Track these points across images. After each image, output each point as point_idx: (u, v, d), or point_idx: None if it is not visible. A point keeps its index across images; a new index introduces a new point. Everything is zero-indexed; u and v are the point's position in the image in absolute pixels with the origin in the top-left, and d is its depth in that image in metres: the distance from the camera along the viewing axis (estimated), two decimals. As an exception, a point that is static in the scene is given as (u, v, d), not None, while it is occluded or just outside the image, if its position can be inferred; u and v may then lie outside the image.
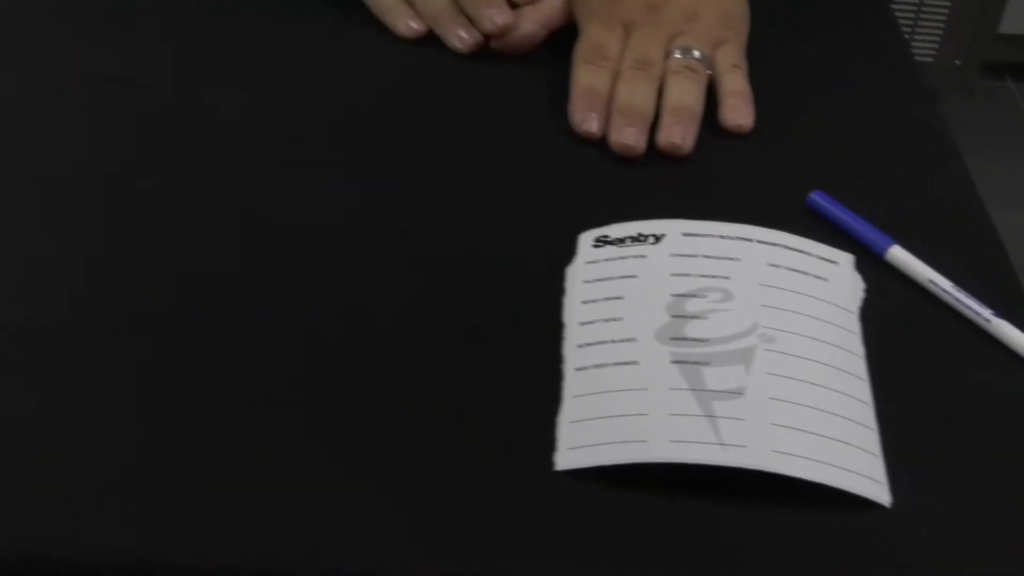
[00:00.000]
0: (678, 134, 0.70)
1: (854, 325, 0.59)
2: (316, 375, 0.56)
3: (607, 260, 0.62)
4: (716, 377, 0.55)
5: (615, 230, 0.64)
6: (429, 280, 0.61)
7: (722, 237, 0.63)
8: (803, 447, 0.52)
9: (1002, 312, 0.59)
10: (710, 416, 0.53)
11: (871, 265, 0.63)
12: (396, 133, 0.71)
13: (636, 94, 0.72)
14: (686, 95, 0.72)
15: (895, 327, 0.60)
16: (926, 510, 0.51)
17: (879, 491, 0.52)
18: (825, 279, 0.61)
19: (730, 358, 0.56)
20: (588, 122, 0.71)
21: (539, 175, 0.69)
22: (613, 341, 0.57)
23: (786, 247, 0.63)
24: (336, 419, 0.54)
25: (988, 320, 0.59)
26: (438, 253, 0.63)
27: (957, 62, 2.18)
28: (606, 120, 0.71)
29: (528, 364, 0.57)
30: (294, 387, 0.55)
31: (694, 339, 0.57)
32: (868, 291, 0.62)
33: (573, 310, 0.59)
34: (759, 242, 0.62)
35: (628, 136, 0.70)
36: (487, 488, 0.51)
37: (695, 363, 0.55)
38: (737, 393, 0.54)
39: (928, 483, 0.53)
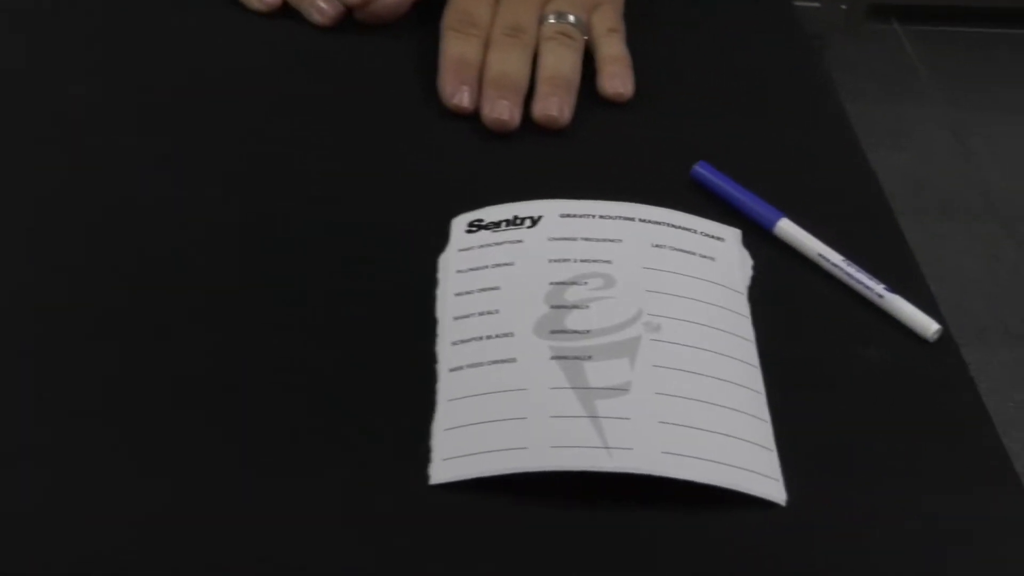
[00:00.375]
0: (555, 105, 0.66)
1: (743, 307, 0.56)
2: (152, 377, 0.51)
3: (481, 247, 0.58)
4: (599, 373, 0.51)
5: (489, 213, 0.60)
6: (287, 272, 0.57)
7: (602, 217, 0.59)
8: (693, 446, 0.49)
9: (895, 286, 0.57)
10: (594, 417, 0.49)
11: (760, 240, 0.60)
12: (253, 114, 0.67)
13: (508, 63, 0.68)
14: (562, 63, 0.68)
15: (785, 306, 0.57)
16: (821, 504, 0.49)
17: (774, 489, 0.49)
18: (712, 258, 0.58)
19: (613, 351, 0.52)
20: (459, 95, 0.67)
21: (407, 154, 0.65)
22: (489, 337, 0.53)
23: (670, 225, 0.59)
24: (171, 429, 0.49)
25: (881, 296, 0.57)
26: (298, 242, 0.58)
27: (843, 6, 2.17)
28: (478, 92, 0.67)
29: (398, 365, 0.53)
30: (106, 391, 0.50)
31: (575, 331, 0.53)
32: (756, 268, 0.58)
33: (446, 303, 0.55)
34: (641, 221, 0.59)
35: (501, 110, 0.66)
36: (357, 505, 0.47)
37: (576, 358, 0.52)
38: (622, 390, 0.51)
39: (823, 474, 0.50)
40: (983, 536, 0.48)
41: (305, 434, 0.50)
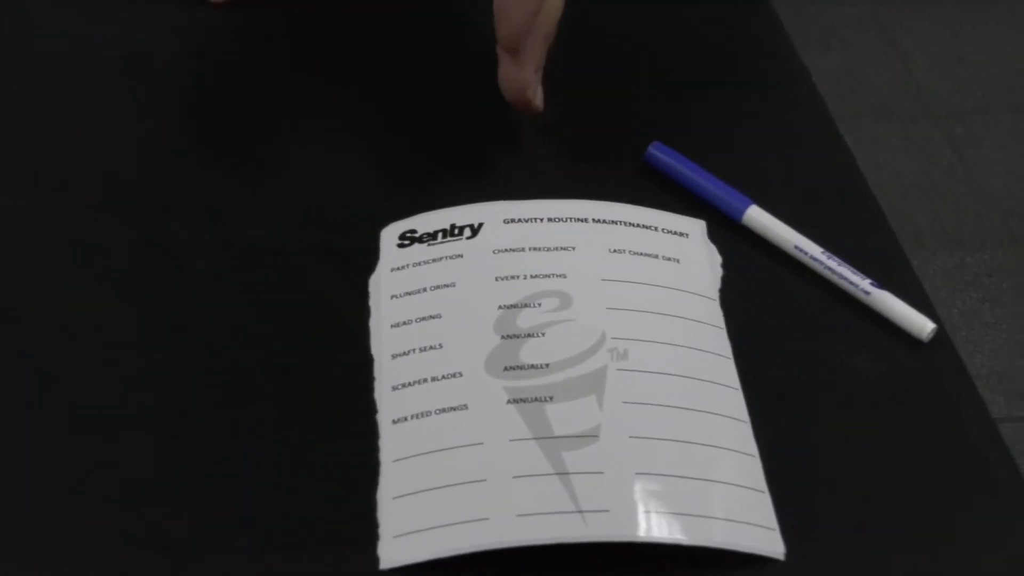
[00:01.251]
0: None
1: (717, 317, 0.50)
2: (29, 441, 0.44)
3: (416, 265, 0.51)
4: (563, 417, 0.45)
5: (422, 222, 0.52)
6: (186, 305, 0.49)
7: (551, 220, 0.52)
8: (677, 500, 0.43)
9: (882, 281, 0.51)
10: (562, 474, 0.43)
11: (727, 231, 0.54)
12: (132, 107, 0.58)
13: None
14: None
15: (760, 311, 0.51)
16: (822, 554, 0.43)
17: (771, 541, 0.43)
18: (677, 260, 0.52)
19: (578, 388, 0.46)
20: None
21: (319, 156, 0.57)
22: (435, 379, 0.46)
23: (627, 223, 0.52)
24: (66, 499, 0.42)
25: (867, 292, 0.51)
26: (193, 267, 0.51)
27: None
28: None
29: (330, 418, 0.46)
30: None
31: (532, 366, 0.46)
32: (725, 266, 0.52)
33: (381, 338, 0.48)
34: (595, 221, 0.52)
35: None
36: (296, 603, 0.41)
37: (536, 400, 0.45)
38: (591, 436, 0.44)
39: (820, 514, 0.44)
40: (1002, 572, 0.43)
41: (219, 513, 0.43)
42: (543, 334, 0.47)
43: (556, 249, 0.51)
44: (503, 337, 0.47)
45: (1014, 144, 1.77)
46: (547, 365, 0.46)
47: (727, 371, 0.48)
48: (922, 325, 0.50)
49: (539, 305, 0.48)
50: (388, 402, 0.46)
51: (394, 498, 0.43)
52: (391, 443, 0.45)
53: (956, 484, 0.45)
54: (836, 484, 0.45)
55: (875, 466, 0.46)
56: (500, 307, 0.48)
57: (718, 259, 0.52)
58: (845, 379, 0.48)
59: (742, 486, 0.44)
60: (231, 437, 0.45)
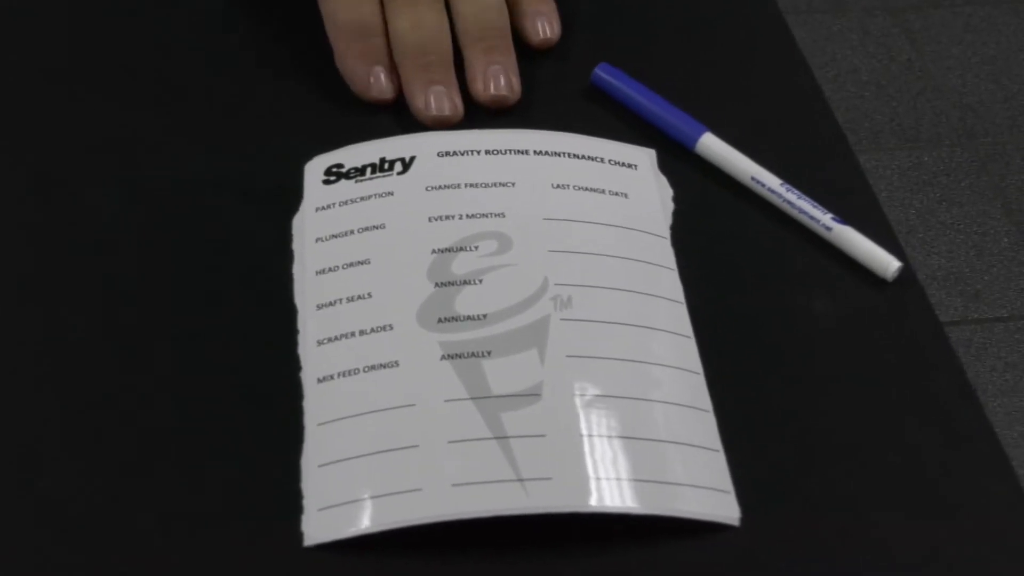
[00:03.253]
0: (501, 78, 0.51)
1: (668, 257, 0.46)
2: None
3: (343, 204, 0.47)
4: (502, 374, 0.41)
5: (350, 155, 0.48)
6: (78, 248, 0.45)
7: (488, 153, 0.48)
8: (625, 464, 0.40)
9: (845, 215, 0.47)
10: (501, 437, 0.40)
11: (678, 160, 0.50)
12: (20, 30, 0.53)
13: (423, 27, 0.51)
14: (486, 10, 0.52)
15: (712, 247, 0.47)
16: (779, 515, 0.40)
17: (725, 505, 0.40)
18: (624, 194, 0.48)
19: (517, 341, 0.42)
20: (377, 83, 0.51)
21: (233, 78, 0.52)
22: (363, 332, 0.43)
23: (571, 155, 0.49)
24: None
25: (829, 228, 0.47)
26: (86, 204, 0.47)
27: None
28: (393, 71, 0.51)
29: (250, 376, 0.42)
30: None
31: (468, 317, 0.43)
32: (677, 199, 0.48)
33: (305, 286, 0.45)
34: (537, 153, 0.48)
35: (441, 102, 0.50)
36: (214, 584, 0.38)
37: (473, 355, 0.42)
38: (532, 395, 0.41)
39: (776, 471, 0.41)
40: (982, 538, 0.40)
41: (120, 481, 0.39)
42: (480, 281, 0.44)
43: (494, 185, 0.47)
44: (437, 285, 0.44)
45: (972, 37, 1.73)
46: (484, 316, 0.43)
47: (679, 318, 0.45)
48: (887, 263, 0.46)
49: (476, 248, 0.45)
50: (313, 358, 0.42)
51: (319, 466, 0.40)
52: (316, 404, 0.41)
53: (923, 437, 0.42)
54: (795, 440, 0.42)
55: (836, 419, 0.43)
56: (434, 251, 0.45)
57: (669, 192, 0.49)
58: (805, 323, 0.45)
59: (695, 445, 0.41)
60: (135, 398, 0.41)
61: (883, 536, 0.40)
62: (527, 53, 0.53)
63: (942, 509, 0.40)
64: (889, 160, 1.59)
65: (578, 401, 0.41)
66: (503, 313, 0.43)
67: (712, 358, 0.44)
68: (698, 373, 0.43)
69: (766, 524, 0.40)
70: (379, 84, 0.51)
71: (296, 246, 0.46)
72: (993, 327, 1.44)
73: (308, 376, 0.42)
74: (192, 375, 0.42)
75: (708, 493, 0.40)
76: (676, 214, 0.48)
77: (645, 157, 0.50)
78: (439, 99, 0.50)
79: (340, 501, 0.39)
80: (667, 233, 0.47)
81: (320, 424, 0.41)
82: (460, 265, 0.44)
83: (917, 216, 1.54)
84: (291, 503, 0.39)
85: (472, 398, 0.41)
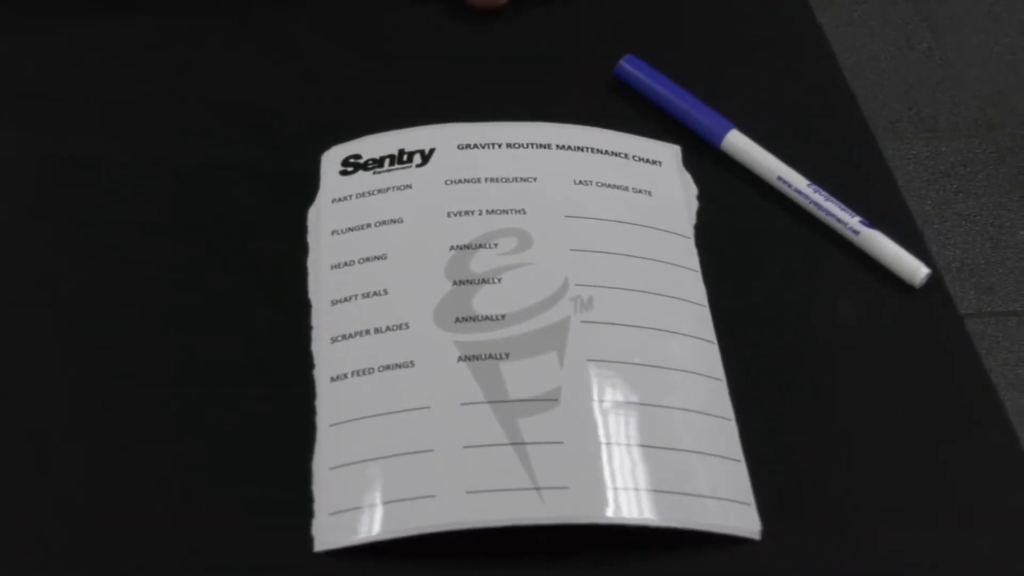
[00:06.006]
0: None
1: (692, 258, 0.45)
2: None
3: (360, 196, 0.46)
4: (520, 378, 0.40)
5: (368, 145, 0.47)
6: (93, 229, 0.44)
7: (510, 146, 0.47)
8: (644, 474, 0.39)
9: (873, 219, 0.46)
10: (517, 444, 0.39)
11: (703, 157, 0.49)
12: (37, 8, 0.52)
13: None
14: None
15: (736, 249, 0.46)
16: (799, 525, 0.39)
17: (746, 518, 0.39)
18: (648, 192, 0.47)
19: (536, 343, 0.41)
20: None
21: (252, 61, 0.51)
22: (378, 330, 0.42)
23: (594, 150, 0.47)
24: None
25: (856, 232, 0.46)
26: (101, 186, 0.46)
27: None
28: None
29: (262, 373, 0.41)
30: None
31: (486, 318, 0.42)
32: (702, 198, 0.47)
33: (320, 281, 0.44)
34: (559, 148, 0.47)
35: None
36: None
37: (491, 357, 0.41)
38: (550, 400, 0.40)
39: (798, 484, 0.40)
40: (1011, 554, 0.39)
41: (132, 480, 0.38)
42: (499, 280, 0.43)
43: (515, 180, 0.46)
44: (455, 283, 0.43)
45: (994, 27, 1.71)
46: (503, 316, 0.42)
47: (702, 322, 0.43)
48: (915, 270, 0.45)
49: (495, 246, 0.44)
50: (326, 356, 0.41)
51: (331, 468, 0.39)
52: (329, 404, 0.40)
53: (950, 452, 0.41)
54: (817, 449, 0.41)
55: (860, 429, 0.42)
56: (452, 247, 0.44)
57: (694, 190, 0.48)
58: (829, 329, 0.44)
59: (716, 455, 0.40)
60: (144, 395, 0.40)
61: (904, 550, 0.38)
62: (550, 45, 0.52)
63: (967, 521, 0.39)
64: (906, 150, 1.57)
65: (596, 407, 0.40)
66: (522, 314, 0.42)
67: (733, 364, 0.42)
68: (720, 379, 0.42)
69: (787, 536, 0.39)
70: None
71: (311, 239, 0.45)
72: (1007, 321, 1.43)
73: (321, 374, 0.41)
74: (202, 371, 0.41)
75: (728, 505, 0.39)
76: (699, 213, 0.47)
77: (670, 153, 0.48)
78: None
79: (351, 506, 0.38)
80: (691, 232, 0.46)
81: (332, 425, 0.40)
82: (479, 263, 0.43)
83: (933, 207, 1.52)
84: (301, 507, 0.38)
85: (489, 402, 0.40)
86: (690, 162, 0.48)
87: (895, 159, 1.58)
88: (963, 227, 1.52)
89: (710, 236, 0.46)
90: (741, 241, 0.46)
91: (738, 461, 0.40)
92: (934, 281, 0.46)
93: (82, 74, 0.50)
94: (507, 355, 0.41)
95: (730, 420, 0.41)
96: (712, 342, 0.43)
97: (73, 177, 0.46)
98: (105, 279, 0.43)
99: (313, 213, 0.45)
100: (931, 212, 1.54)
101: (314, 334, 0.42)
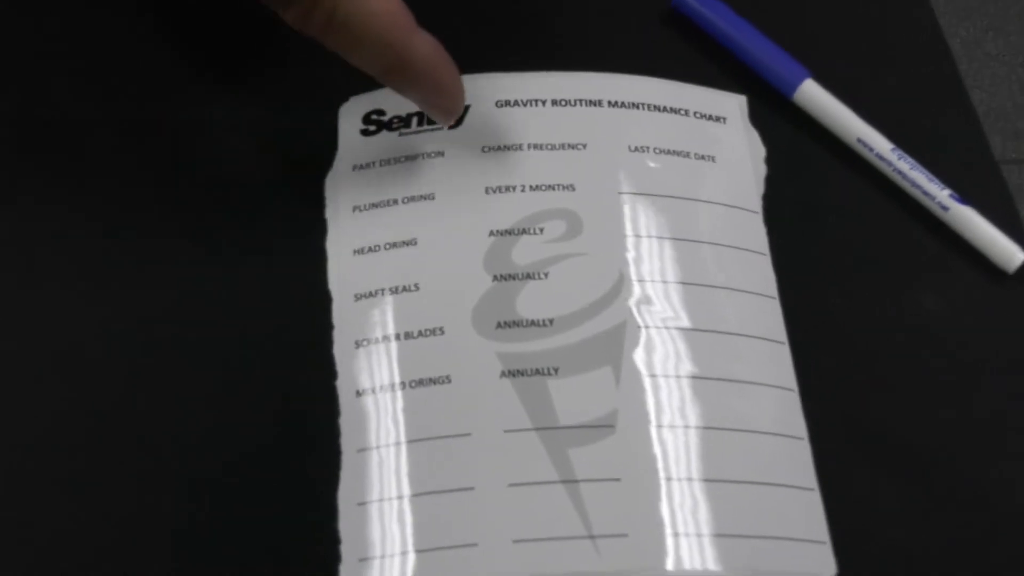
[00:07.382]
0: None
1: (761, 238, 0.40)
2: None
3: (385, 163, 0.40)
4: (571, 399, 0.36)
5: (392, 100, 0.41)
6: (76, 197, 0.39)
7: (555, 103, 0.41)
8: (708, 516, 0.34)
9: (966, 194, 0.41)
10: (569, 481, 0.34)
11: (771, 109, 0.43)
12: None
13: None
14: None
15: (805, 221, 0.41)
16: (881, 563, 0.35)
17: (821, 561, 0.35)
18: (712, 158, 0.41)
19: (589, 355, 0.36)
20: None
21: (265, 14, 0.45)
22: (409, 335, 0.37)
23: (651, 107, 0.42)
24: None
25: (945, 207, 0.41)
26: (84, 149, 0.40)
27: None
28: None
29: (276, 384, 0.37)
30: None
31: (532, 323, 0.37)
32: (768, 160, 0.42)
33: (341, 267, 0.38)
34: (611, 105, 0.41)
35: None
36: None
37: (538, 372, 0.36)
38: (605, 427, 0.35)
39: (869, 523, 0.36)
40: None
41: (129, 514, 0.34)
42: (545, 275, 0.38)
43: (562, 147, 0.40)
44: (495, 278, 0.37)
45: None
46: (551, 321, 0.37)
47: (772, 318, 0.39)
48: (1011, 254, 0.40)
49: (541, 231, 0.38)
50: (350, 364, 0.37)
51: (359, 504, 0.35)
52: (353, 424, 0.36)
53: (1043, 477, 0.37)
54: (900, 474, 0.37)
55: (951, 449, 0.37)
56: (492, 232, 0.38)
57: (762, 152, 0.42)
58: (912, 324, 0.39)
59: (787, 485, 0.36)
60: (139, 407, 0.36)
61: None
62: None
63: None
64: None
65: (655, 434, 0.35)
66: (572, 318, 0.37)
67: (802, 367, 0.38)
68: (792, 390, 0.38)
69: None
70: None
71: (330, 214, 0.39)
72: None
73: (344, 387, 0.36)
74: (208, 380, 0.36)
75: (800, 546, 0.35)
76: (767, 180, 0.41)
77: (735, 106, 0.43)
78: None
79: (383, 553, 0.34)
80: (759, 207, 0.41)
81: (360, 451, 0.35)
82: (522, 252, 0.38)
83: (961, 46, 1.45)
84: (328, 547, 0.34)
85: (536, 428, 0.35)
86: (755, 116, 0.43)
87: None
88: (991, 68, 1.46)
89: (776, 208, 0.41)
90: (811, 215, 0.41)
91: (811, 490, 0.36)
92: (1029, 265, 0.41)
93: (52, 26, 0.43)
94: (556, 370, 0.36)
95: (803, 439, 0.37)
96: (783, 343, 0.38)
97: (64, 138, 0.40)
98: (80, 243, 0.38)
99: (331, 182, 0.40)
100: (959, 51, 1.46)
101: (336, 335, 0.37)
